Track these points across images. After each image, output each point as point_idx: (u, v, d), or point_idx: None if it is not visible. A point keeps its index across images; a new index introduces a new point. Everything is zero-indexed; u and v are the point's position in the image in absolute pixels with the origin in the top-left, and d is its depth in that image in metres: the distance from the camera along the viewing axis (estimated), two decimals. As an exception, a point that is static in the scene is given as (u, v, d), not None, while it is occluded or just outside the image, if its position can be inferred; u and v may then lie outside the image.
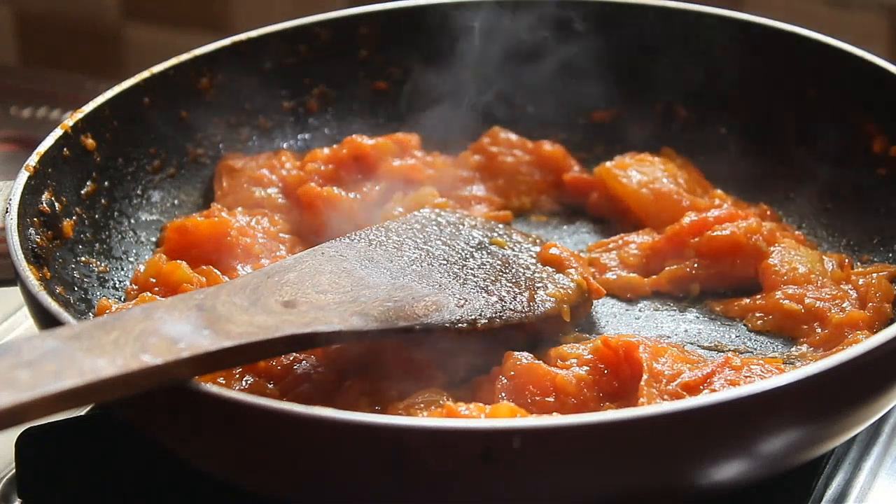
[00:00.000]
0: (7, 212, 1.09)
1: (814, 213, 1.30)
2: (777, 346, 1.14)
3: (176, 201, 1.31)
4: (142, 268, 1.18)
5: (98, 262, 1.19)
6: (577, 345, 1.10)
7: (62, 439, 1.04)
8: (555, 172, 1.35)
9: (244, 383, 1.05)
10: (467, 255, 1.15)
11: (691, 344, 1.14)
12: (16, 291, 1.05)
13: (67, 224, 1.17)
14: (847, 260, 1.22)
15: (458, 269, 1.13)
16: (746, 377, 1.02)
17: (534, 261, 1.18)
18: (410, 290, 1.07)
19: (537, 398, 1.03)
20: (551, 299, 1.12)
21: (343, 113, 1.40)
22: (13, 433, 1.03)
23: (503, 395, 1.02)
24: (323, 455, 0.87)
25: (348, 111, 1.40)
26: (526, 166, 1.35)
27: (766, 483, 0.96)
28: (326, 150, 1.32)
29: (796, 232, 1.27)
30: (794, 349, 1.13)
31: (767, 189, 1.32)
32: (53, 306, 0.98)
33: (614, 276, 1.22)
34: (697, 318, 1.18)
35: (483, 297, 1.10)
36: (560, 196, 1.35)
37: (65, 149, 1.19)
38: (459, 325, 1.06)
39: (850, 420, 0.96)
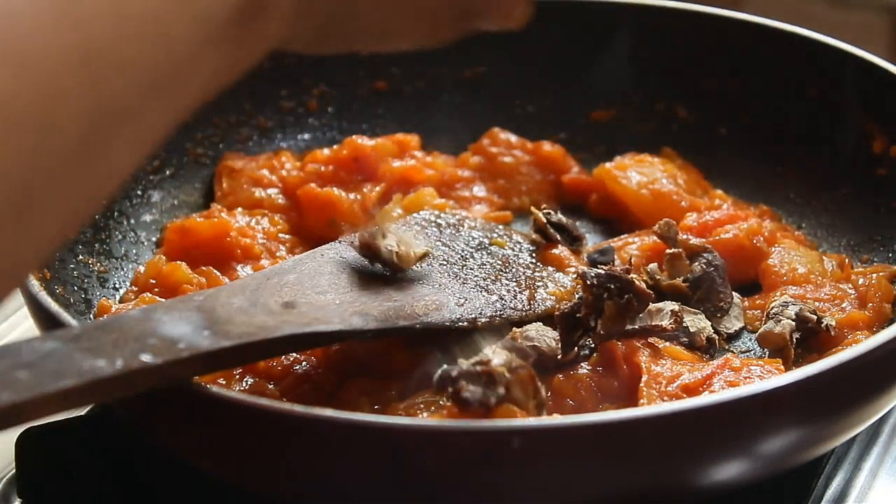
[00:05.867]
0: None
1: (814, 213, 1.29)
2: (777, 346, 1.14)
3: (176, 202, 1.30)
4: (142, 268, 1.18)
5: (98, 263, 1.19)
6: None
7: (62, 439, 1.04)
8: (555, 173, 1.35)
9: (244, 384, 1.05)
10: (467, 256, 1.15)
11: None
12: (16, 291, 1.05)
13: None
14: (847, 260, 1.22)
15: (458, 269, 1.13)
16: (746, 378, 1.02)
17: (534, 260, 1.18)
18: (410, 289, 1.07)
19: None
20: (551, 298, 1.12)
21: (343, 113, 1.40)
22: (13, 433, 1.03)
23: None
24: (323, 455, 0.87)
25: (348, 111, 1.40)
26: (526, 167, 1.35)
27: (766, 483, 0.96)
28: (326, 151, 1.32)
29: (796, 232, 1.27)
30: (793, 349, 1.13)
31: (767, 189, 1.32)
32: (53, 307, 0.98)
33: (614, 277, 1.22)
34: (697, 318, 1.18)
35: (483, 296, 1.10)
36: (560, 196, 1.35)
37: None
38: (460, 323, 1.06)
39: (850, 420, 0.96)
